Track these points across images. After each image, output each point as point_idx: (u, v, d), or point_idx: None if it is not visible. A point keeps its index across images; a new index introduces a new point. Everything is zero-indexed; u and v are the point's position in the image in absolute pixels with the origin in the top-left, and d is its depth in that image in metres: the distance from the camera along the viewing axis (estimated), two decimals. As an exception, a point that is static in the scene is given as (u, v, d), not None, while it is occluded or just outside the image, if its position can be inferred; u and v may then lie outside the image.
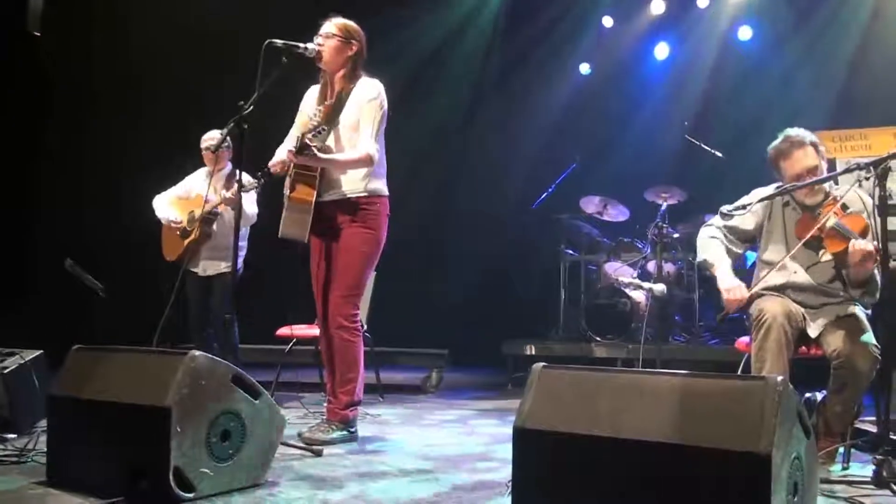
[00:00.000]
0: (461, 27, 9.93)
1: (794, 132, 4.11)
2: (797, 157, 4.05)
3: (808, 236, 3.94)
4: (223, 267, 5.92)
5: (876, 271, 3.85)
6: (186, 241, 5.87)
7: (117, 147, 8.28)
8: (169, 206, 6.04)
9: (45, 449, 3.43)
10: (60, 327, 6.04)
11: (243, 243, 5.99)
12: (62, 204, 8.19)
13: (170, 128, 7.88)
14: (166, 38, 8.19)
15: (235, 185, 5.53)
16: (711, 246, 4.27)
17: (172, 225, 5.94)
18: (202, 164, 6.13)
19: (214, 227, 5.88)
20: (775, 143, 4.16)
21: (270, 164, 4.54)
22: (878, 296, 3.95)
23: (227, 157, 6.00)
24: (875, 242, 3.74)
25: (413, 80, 9.31)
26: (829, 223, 3.89)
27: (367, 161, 4.35)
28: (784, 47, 8.82)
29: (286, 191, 4.46)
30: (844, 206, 3.98)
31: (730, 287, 4.06)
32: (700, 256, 4.32)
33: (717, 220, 4.32)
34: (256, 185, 5.22)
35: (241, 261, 5.96)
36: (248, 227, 5.98)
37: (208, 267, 5.95)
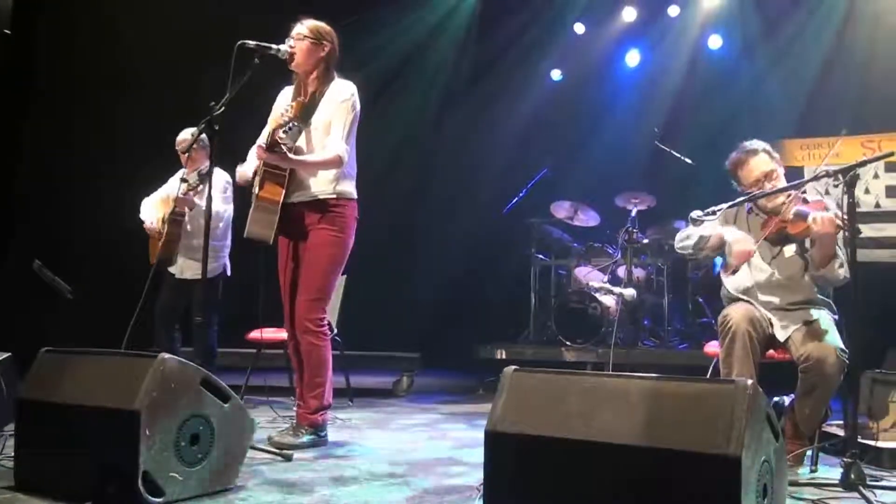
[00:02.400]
0: (433, 32, 9.94)
1: (748, 143, 4.30)
2: (752, 164, 4.21)
3: (773, 225, 4.02)
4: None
5: (839, 249, 3.92)
6: (160, 242, 5.83)
7: (92, 147, 8.20)
8: (153, 208, 6.01)
9: (13, 453, 3.38)
10: (29, 330, 5.97)
11: (227, 242, 5.97)
12: (32, 204, 8.11)
13: (148, 129, 7.82)
14: (149, 36, 8.13)
15: (184, 186, 5.56)
16: (696, 228, 4.24)
17: (150, 227, 5.90)
18: (173, 164, 6.10)
19: (187, 227, 5.84)
20: (731, 155, 4.32)
21: (237, 171, 4.53)
22: (841, 273, 3.96)
23: (205, 156, 5.91)
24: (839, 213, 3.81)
25: (384, 84, 9.32)
26: (791, 211, 3.98)
27: (337, 162, 4.33)
28: (754, 56, 8.92)
29: (255, 189, 4.44)
30: (805, 200, 4.07)
31: (738, 238, 4.07)
32: (691, 241, 4.24)
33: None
34: (199, 183, 5.18)
35: (226, 262, 5.97)
36: (230, 228, 5.94)
37: (186, 269, 5.89)
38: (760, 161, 4.20)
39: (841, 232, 3.78)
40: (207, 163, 5.77)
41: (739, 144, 4.31)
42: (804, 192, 4.16)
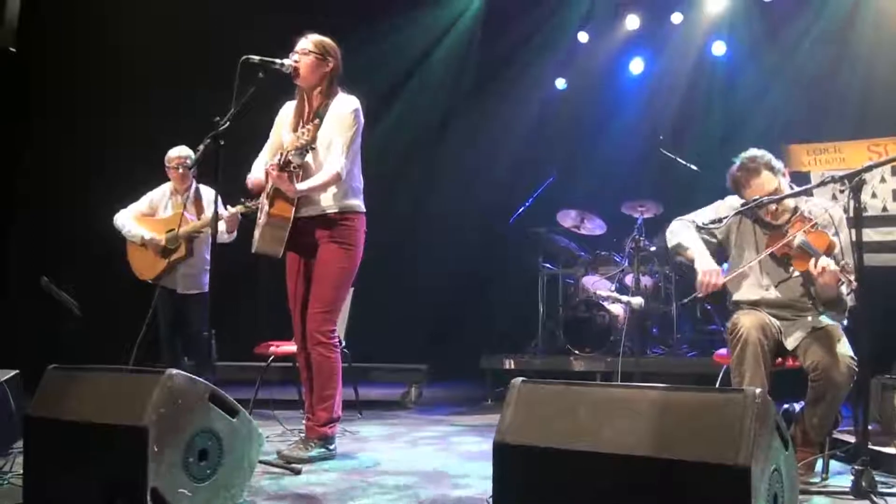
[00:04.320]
0: (437, 42, 9.97)
1: (748, 157, 4.12)
2: (755, 185, 4.06)
3: (775, 248, 3.96)
4: (203, 286, 5.92)
5: (843, 289, 3.85)
6: (170, 259, 5.86)
7: (93, 163, 8.22)
8: (141, 223, 6.01)
9: (22, 471, 3.38)
10: (36, 347, 5.98)
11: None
12: (38, 221, 8.13)
13: (152, 145, 7.83)
14: (152, 49, 8.16)
15: (240, 207, 5.61)
16: (684, 232, 4.24)
17: (150, 244, 5.90)
18: (166, 180, 6.12)
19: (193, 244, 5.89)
20: (731, 170, 4.18)
21: (248, 181, 4.56)
22: (846, 313, 3.96)
23: (192, 174, 5.97)
24: (843, 261, 3.76)
25: (389, 94, 9.35)
26: (797, 241, 3.90)
27: (336, 179, 4.35)
28: (757, 62, 8.91)
29: (264, 206, 4.45)
30: (814, 225, 3.99)
31: (707, 269, 4.02)
32: (673, 241, 4.26)
33: (688, 217, 4.34)
34: (253, 206, 5.20)
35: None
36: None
37: (187, 285, 5.93)
38: (763, 181, 4.03)
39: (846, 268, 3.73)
40: (193, 180, 5.89)
41: (739, 158, 4.14)
42: (810, 214, 4.06)
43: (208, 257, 5.93)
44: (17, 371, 4.54)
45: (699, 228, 4.25)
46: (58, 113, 8.30)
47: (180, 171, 5.93)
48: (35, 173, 8.22)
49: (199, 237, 5.85)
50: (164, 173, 6.08)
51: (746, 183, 4.09)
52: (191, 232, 5.80)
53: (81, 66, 8.27)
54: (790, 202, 4.12)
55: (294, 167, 4.24)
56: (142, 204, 6.11)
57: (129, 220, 6.03)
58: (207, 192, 5.85)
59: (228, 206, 5.61)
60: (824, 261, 3.75)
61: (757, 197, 4.04)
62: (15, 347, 5.87)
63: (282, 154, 4.29)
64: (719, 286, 4.03)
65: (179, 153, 5.96)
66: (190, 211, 5.92)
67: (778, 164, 4.13)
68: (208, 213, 5.72)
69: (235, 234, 5.80)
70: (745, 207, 4.08)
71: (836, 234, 3.97)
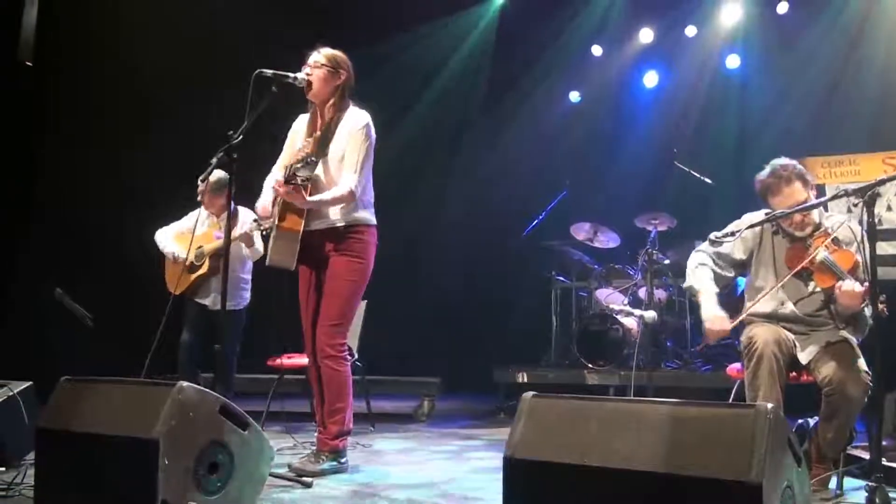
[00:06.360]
0: (452, 55, 9.99)
1: (781, 164, 4.09)
2: (786, 193, 4.02)
3: (799, 268, 3.92)
4: (235, 303, 5.99)
5: (866, 310, 3.83)
6: (195, 276, 5.94)
7: (106, 175, 8.25)
8: (172, 241, 6.08)
9: (33, 482, 3.39)
10: (49, 358, 5.99)
11: (248, 276, 6.07)
12: (51, 231, 8.16)
13: (163, 158, 7.87)
14: (166, 66, 8.20)
15: (247, 224, 5.65)
16: (699, 273, 4.26)
17: (178, 260, 5.95)
18: (182, 190, 6.16)
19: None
20: (762, 175, 4.13)
21: (257, 207, 4.59)
22: (866, 332, 3.93)
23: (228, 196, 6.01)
24: (865, 282, 3.73)
25: (403, 107, 9.36)
26: (819, 257, 3.86)
27: (349, 197, 4.37)
28: (772, 74, 8.90)
29: (274, 220, 4.46)
30: (836, 240, 3.96)
31: (712, 317, 4.06)
32: (687, 282, 4.31)
33: (706, 245, 4.32)
34: (262, 228, 5.24)
35: (248, 294, 6.09)
36: (251, 263, 6.07)
37: (217, 301, 5.96)
38: (794, 191, 4.00)
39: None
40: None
41: (771, 165, 4.12)
42: (833, 230, 4.02)
43: (244, 276, 6.10)
44: (31, 383, 4.56)
45: (713, 242, 4.22)
46: (72, 125, 8.34)
47: (212, 195, 5.99)
48: (49, 184, 8.25)
49: (230, 255, 5.87)
50: (180, 184, 6.12)
51: (777, 190, 4.04)
52: (214, 250, 5.86)
53: (96, 76, 8.31)
54: (815, 216, 4.09)
55: (302, 180, 4.25)
56: (182, 223, 6.22)
57: (166, 237, 6.16)
58: (244, 213, 5.91)
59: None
60: (849, 283, 3.73)
61: (783, 209, 3.99)
62: (28, 359, 5.88)
63: (287, 169, 4.30)
64: (727, 332, 4.05)
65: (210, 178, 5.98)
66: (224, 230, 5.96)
67: (810, 177, 4.12)
68: (237, 232, 5.75)
69: (261, 250, 5.83)
70: (771, 218, 4.03)
71: (859, 250, 3.93)
